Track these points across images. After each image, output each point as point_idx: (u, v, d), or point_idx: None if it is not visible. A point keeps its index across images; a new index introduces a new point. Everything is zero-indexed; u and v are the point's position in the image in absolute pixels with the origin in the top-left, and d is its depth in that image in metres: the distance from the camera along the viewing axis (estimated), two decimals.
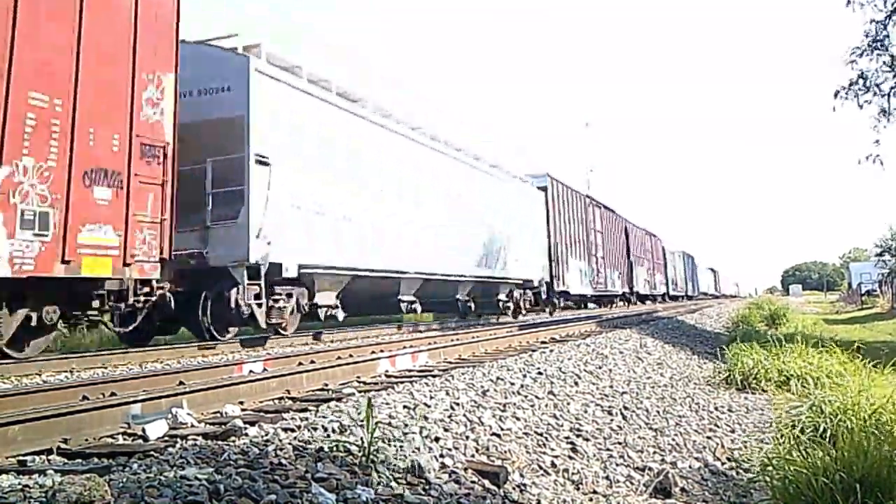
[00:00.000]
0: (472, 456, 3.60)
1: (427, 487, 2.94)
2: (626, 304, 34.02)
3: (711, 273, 79.38)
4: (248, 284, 9.22)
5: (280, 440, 3.13)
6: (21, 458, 3.12)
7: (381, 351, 7.71)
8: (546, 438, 4.27)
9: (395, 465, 3.05)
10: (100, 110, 7.19)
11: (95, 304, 7.39)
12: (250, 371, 6.06)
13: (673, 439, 5.13)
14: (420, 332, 13.32)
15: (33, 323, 6.98)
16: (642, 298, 38.94)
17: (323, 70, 11.72)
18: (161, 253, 7.80)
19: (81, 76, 6.94)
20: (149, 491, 2.27)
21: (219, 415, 4.17)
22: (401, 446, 3.29)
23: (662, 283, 44.81)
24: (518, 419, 4.40)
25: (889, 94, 14.74)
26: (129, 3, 7.59)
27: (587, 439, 4.50)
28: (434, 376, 5.40)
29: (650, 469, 4.33)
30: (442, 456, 3.41)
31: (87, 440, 3.52)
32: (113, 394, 4.71)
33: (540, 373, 5.87)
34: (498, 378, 5.38)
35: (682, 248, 57.66)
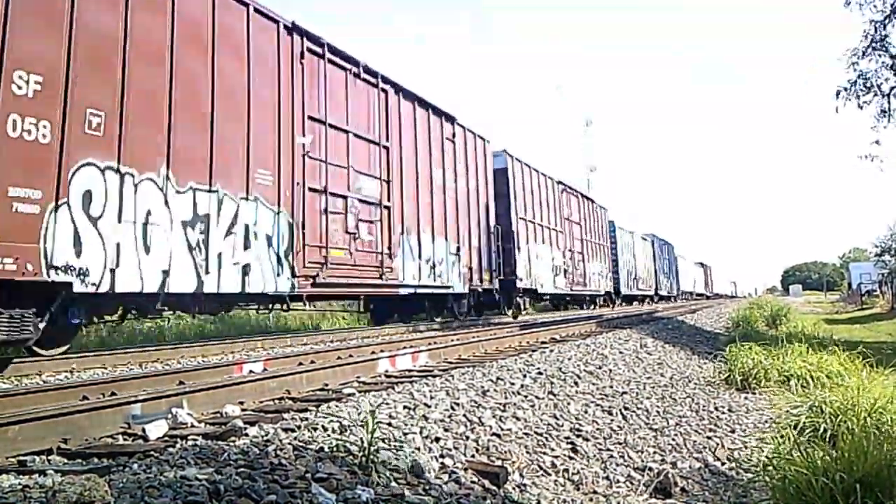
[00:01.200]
0: (473, 456, 3.61)
1: (427, 487, 2.94)
2: (515, 310, 17.81)
3: (701, 269, 65.11)
4: None
5: (280, 440, 3.13)
6: (21, 458, 3.11)
7: (382, 351, 7.72)
8: (546, 438, 4.27)
9: (395, 465, 3.05)
10: None
11: None
12: (250, 371, 6.06)
13: (673, 439, 5.13)
14: (420, 331, 13.32)
15: None
16: (560, 301, 23.75)
17: None
18: None
19: None
20: (149, 491, 2.27)
21: (219, 415, 4.16)
22: (401, 446, 3.29)
23: (607, 275, 27.49)
24: (518, 419, 4.40)
25: (889, 95, 14.77)
26: None
27: (587, 439, 4.50)
28: (434, 376, 5.39)
29: (650, 469, 4.33)
30: (442, 456, 3.41)
31: (87, 440, 3.52)
32: (113, 394, 4.71)
33: (540, 373, 5.87)
34: (498, 378, 5.39)
35: (665, 236, 43.52)
